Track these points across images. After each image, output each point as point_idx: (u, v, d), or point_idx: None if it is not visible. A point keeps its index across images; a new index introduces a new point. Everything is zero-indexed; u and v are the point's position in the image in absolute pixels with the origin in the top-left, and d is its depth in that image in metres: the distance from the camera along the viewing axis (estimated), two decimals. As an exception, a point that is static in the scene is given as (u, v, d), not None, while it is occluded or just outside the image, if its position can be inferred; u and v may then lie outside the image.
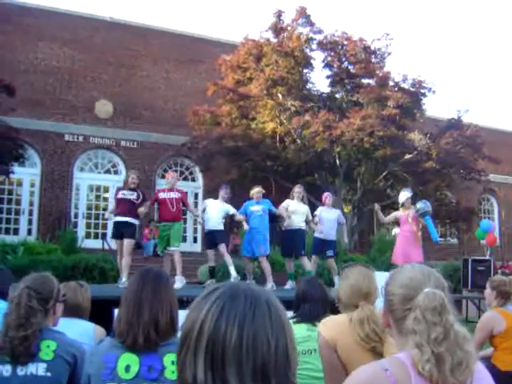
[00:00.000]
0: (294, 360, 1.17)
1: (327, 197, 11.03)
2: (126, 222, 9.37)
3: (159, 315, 2.41)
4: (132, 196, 9.45)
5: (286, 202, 10.52)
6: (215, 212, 10.07)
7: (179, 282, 9.38)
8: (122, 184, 10.01)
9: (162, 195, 9.72)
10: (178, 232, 9.63)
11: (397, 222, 10.43)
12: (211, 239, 10.15)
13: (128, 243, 9.36)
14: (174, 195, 9.60)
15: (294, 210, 10.41)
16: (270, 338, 1.12)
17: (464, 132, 20.14)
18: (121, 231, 9.45)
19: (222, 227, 10.15)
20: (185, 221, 19.16)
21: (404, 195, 10.12)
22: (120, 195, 9.56)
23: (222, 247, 10.00)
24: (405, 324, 1.73)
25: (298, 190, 10.62)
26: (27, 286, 2.78)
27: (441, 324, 1.65)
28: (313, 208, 11.40)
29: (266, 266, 10.08)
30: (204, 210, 10.31)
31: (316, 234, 10.79)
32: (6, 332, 2.64)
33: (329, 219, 10.73)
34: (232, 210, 10.24)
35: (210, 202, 10.40)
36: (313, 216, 10.67)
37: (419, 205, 9.77)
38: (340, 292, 3.15)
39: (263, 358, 1.10)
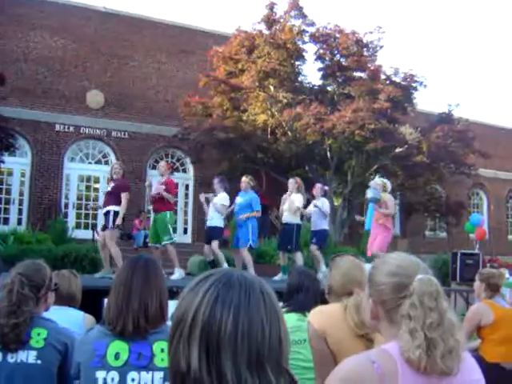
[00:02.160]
0: (287, 347, 1.17)
1: (315, 188, 11.14)
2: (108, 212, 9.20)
3: (149, 303, 2.41)
4: (109, 188, 9.37)
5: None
6: (210, 207, 10.02)
7: (177, 273, 9.38)
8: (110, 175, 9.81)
9: None
10: (161, 224, 9.42)
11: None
12: (206, 235, 10.24)
13: (106, 233, 9.08)
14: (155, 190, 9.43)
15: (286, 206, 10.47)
16: (265, 326, 1.12)
17: (455, 126, 20.20)
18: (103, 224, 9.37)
19: (215, 223, 9.92)
20: (175, 212, 19.18)
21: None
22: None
23: (214, 243, 9.83)
24: (398, 312, 1.73)
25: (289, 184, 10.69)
26: (20, 272, 2.77)
27: (436, 310, 1.67)
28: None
29: (246, 257, 9.96)
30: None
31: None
32: (-3, 319, 2.63)
33: (312, 210, 10.86)
34: (222, 201, 9.92)
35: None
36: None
37: (370, 194, 9.89)
38: (331, 281, 3.13)
39: (258, 345, 1.10)
